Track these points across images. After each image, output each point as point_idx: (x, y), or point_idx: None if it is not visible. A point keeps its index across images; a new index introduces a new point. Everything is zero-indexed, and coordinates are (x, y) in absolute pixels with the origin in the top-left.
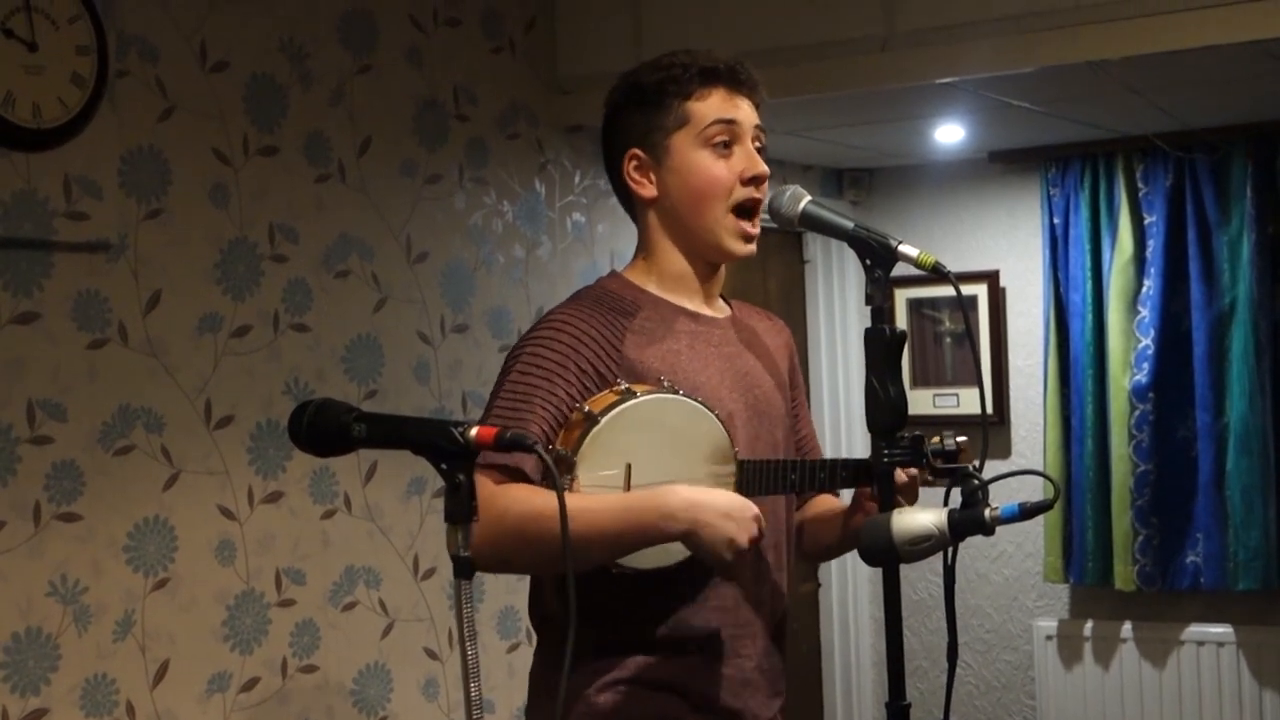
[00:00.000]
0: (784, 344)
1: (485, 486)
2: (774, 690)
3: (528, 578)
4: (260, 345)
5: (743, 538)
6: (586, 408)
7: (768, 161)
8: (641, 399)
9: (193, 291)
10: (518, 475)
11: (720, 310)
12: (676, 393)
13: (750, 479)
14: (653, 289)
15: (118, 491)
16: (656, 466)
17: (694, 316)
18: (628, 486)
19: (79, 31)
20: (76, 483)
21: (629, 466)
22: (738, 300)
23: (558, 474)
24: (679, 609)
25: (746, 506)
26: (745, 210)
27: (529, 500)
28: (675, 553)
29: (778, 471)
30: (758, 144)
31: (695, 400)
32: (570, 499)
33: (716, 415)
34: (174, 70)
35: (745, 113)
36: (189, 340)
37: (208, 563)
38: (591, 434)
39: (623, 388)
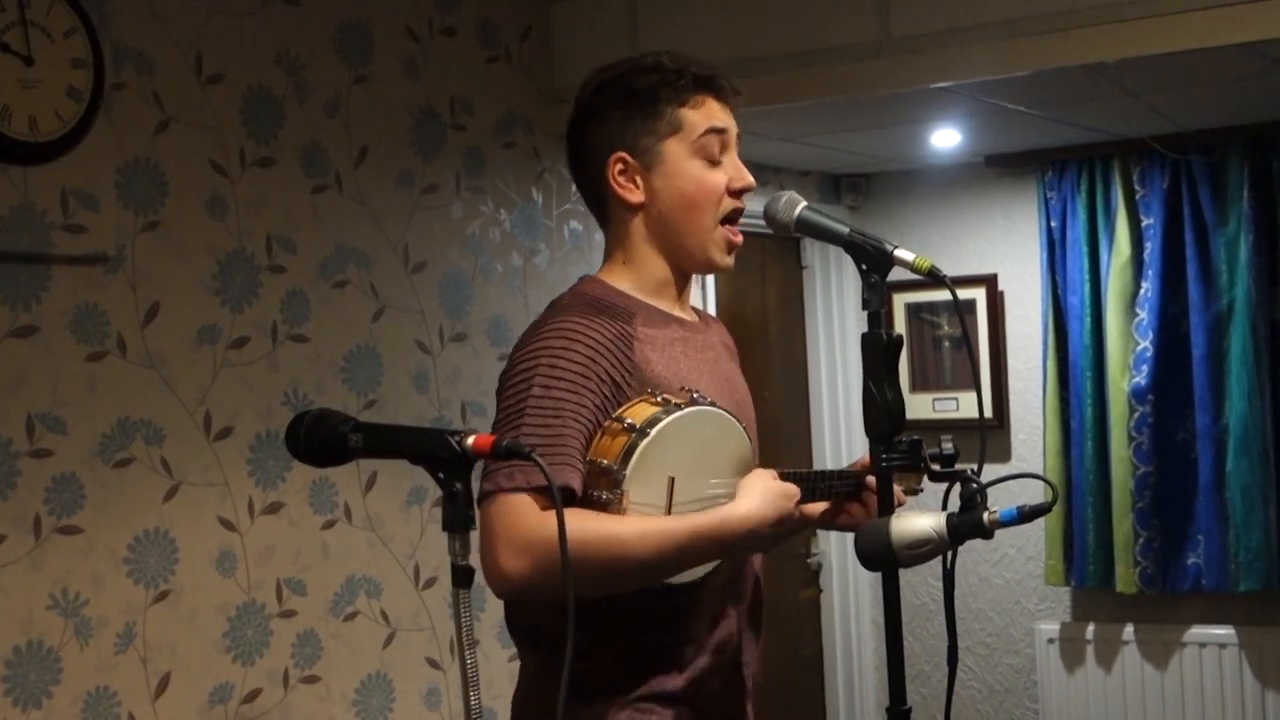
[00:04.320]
0: (733, 344)
1: (532, 513)
2: (758, 693)
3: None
4: (259, 356)
5: (785, 533)
6: (628, 420)
7: (758, 170)
8: (685, 412)
9: (191, 303)
10: (565, 496)
11: (692, 315)
12: (711, 403)
13: None
14: (635, 294)
15: (118, 504)
16: (693, 479)
17: (680, 322)
18: (670, 501)
19: (75, 45)
20: (76, 495)
21: (671, 480)
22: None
23: (557, 490)
24: (691, 623)
25: (786, 499)
26: (730, 220)
27: (588, 525)
28: (707, 565)
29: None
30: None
31: (726, 412)
32: (630, 525)
33: (744, 426)
34: (170, 83)
35: (732, 121)
36: (188, 352)
37: (208, 574)
38: (642, 446)
39: (659, 398)
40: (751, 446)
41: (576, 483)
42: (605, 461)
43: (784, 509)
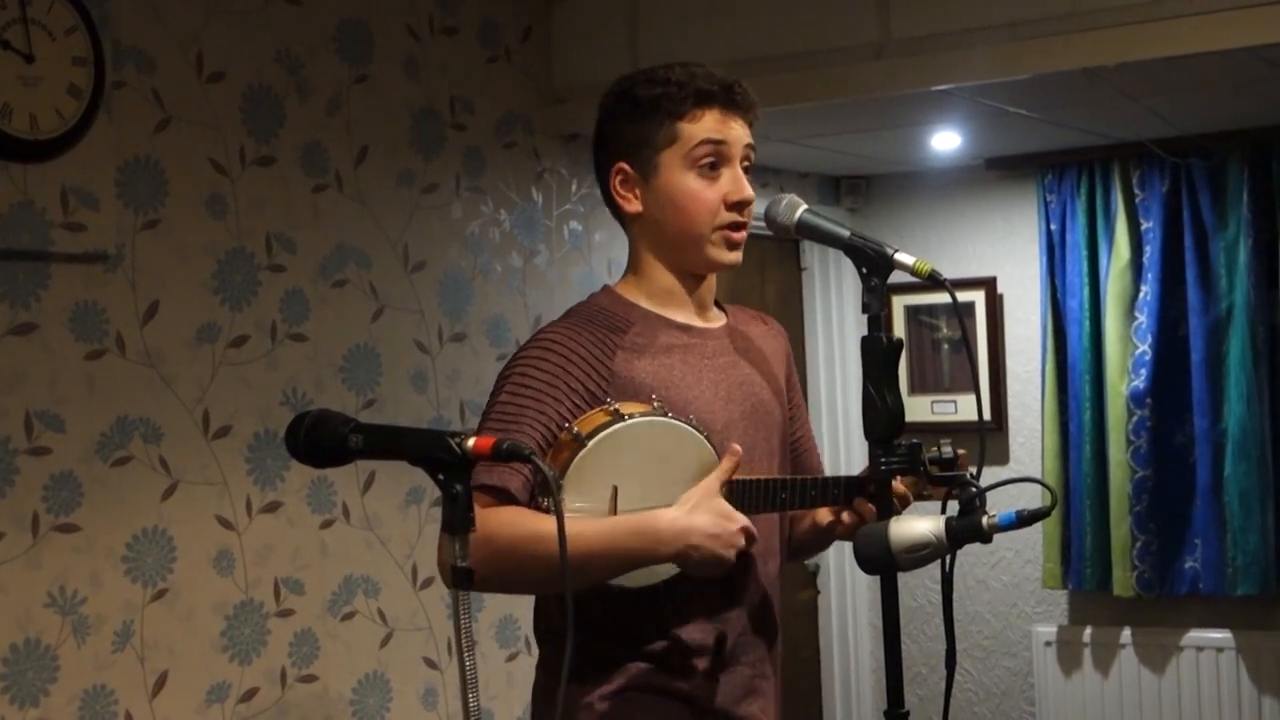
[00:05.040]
0: (780, 347)
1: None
2: (773, 696)
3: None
4: (258, 355)
5: (730, 554)
6: (575, 429)
7: (758, 172)
8: (629, 422)
9: (190, 302)
10: (504, 496)
11: (714, 319)
12: (666, 414)
13: (739, 499)
14: (644, 303)
15: (116, 502)
16: (643, 488)
17: (686, 329)
18: (614, 509)
19: (76, 43)
20: (75, 493)
21: (615, 489)
22: (734, 305)
23: (556, 490)
24: (678, 621)
25: (730, 520)
26: (729, 229)
27: (517, 523)
28: (662, 572)
29: (767, 491)
30: (746, 164)
31: (683, 421)
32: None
33: (705, 436)
34: (170, 81)
35: (736, 133)
36: (187, 350)
37: (206, 573)
38: (579, 457)
39: (612, 408)
40: (719, 455)
41: (515, 485)
42: (549, 470)
43: (717, 525)
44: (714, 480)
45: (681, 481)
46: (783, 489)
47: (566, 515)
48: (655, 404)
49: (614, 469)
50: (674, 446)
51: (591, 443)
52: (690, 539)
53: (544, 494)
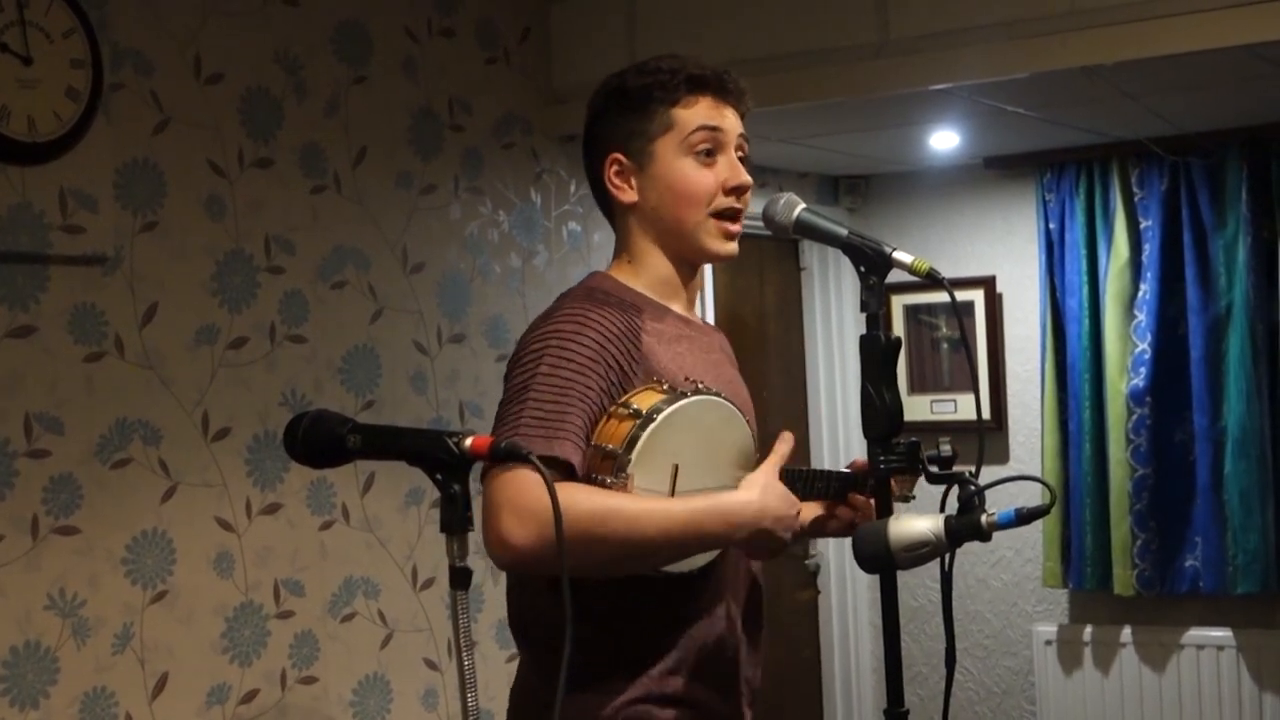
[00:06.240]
0: (733, 355)
1: (539, 484)
2: (756, 695)
3: (518, 591)
4: (257, 357)
5: (789, 537)
6: (634, 405)
7: (753, 170)
8: (692, 399)
9: (189, 304)
10: (567, 471)
11: (696, 316)
12: (717, 394)
13: None
14: (643, 291)
15: (115, 504)
16: (700, 468)
17: (686, 321)
18: (673, 488)
19: (73, 45)
20: (74, 496)
21: (676, 468)
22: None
23: (550, 481)
24: (692, 622)
25: (792, 505)
26: (726, 216)
27: (593, 498)
28: (705, 557)
29: (788, 481)
30: (741, 153)
31: (732, 404)
32: (634, 501)
33: (746, 419)
34: (169, 83)
35: (730, 121)
36: (186, 352)
37: (206, 575)
38: (649, 432)
39: (665, 386)
40: (754, 440)
41: (576, 459)
42: (610, 446)
43: (785, 509)
44: (772, 465)
45: (729, 462)
46: (797, 480)
47: (634, 491)
48: (699, 384)
49: (674, 447)
50: (723, 427)
51: (659, 418)
52: (764, 523)
53: (601, 472)
